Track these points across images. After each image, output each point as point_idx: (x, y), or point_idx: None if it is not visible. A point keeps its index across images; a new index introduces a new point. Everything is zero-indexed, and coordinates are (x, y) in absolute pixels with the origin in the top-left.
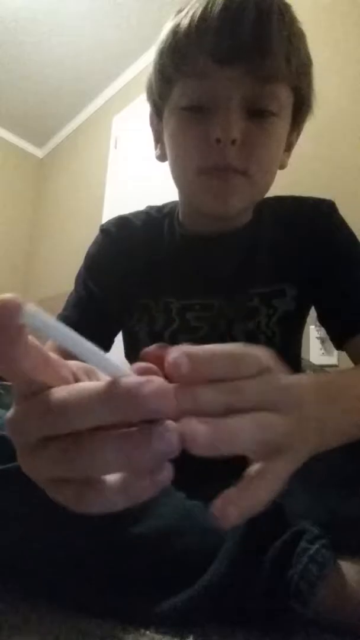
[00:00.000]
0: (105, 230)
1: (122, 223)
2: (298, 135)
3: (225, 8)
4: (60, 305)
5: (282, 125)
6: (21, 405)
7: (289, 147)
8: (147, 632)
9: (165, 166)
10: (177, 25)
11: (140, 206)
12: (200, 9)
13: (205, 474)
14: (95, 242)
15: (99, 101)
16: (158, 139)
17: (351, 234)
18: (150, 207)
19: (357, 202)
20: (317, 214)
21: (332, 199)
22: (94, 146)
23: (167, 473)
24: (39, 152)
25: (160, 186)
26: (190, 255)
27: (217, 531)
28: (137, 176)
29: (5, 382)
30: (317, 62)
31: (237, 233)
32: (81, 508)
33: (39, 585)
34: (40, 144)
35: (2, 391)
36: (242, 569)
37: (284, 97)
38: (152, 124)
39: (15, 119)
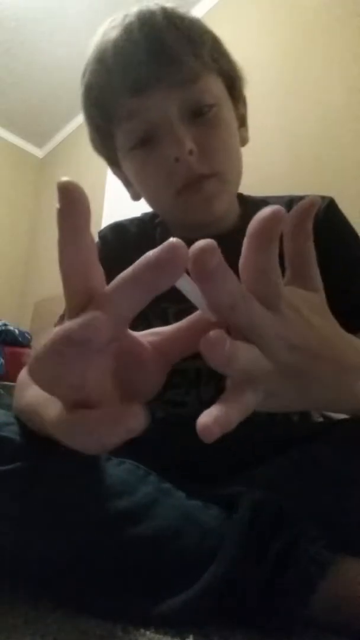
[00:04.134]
0: (102, 237)
1: (118, 229)
2: (245, 105)
3: (117, 50)
4: (59, 306)
5: (225, 110)
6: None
7: (242, 122)
8: (147, 632)
9: None
10: (88, 86)
11: (140, 208)
12: (98, 66)
13: (205, 474)
14: None
15: None
16: (127, 183)
17: (352, 230)
18: (145, 214)
19: (357, 202)
20: (317, 210)
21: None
22: None
23: None
24: (39, 152)
25: None
26: None
27: (217, 531)
28: None
29: (5, 382)
30: (318, 61)
31: (227, 235)
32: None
33: (39, 585)
34: (40, 144)
35: (2, 391)
36: (242, 569)
37: (214, 85)
38: (115, 173)
39: (15, 119)
